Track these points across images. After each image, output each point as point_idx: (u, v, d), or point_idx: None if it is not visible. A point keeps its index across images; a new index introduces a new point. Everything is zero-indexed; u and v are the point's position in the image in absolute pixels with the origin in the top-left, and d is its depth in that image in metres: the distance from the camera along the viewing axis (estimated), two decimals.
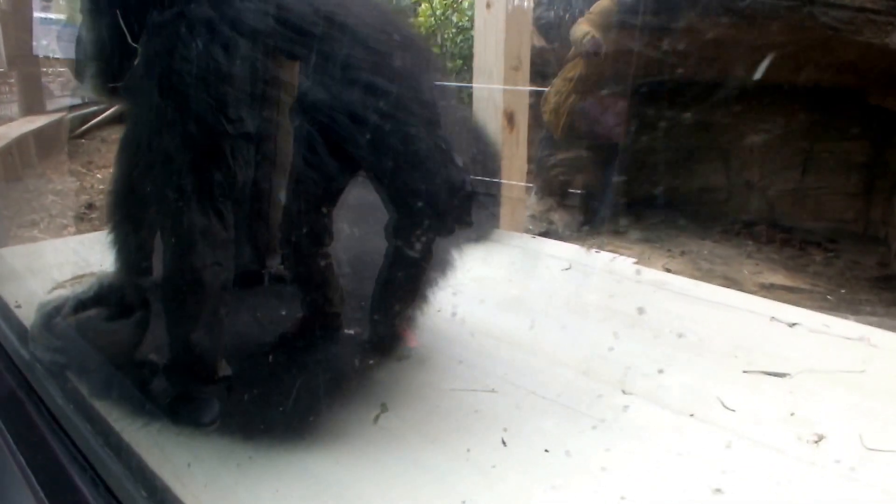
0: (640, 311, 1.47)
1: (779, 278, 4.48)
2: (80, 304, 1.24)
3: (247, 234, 1.02)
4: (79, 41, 1.00)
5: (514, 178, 2.04)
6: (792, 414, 1.10)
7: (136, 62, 0.90)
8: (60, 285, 1.46)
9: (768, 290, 4.36)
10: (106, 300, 1.24)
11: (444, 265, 1.28)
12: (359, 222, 1.27)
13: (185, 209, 0.91)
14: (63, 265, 1.54)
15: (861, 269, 4.61)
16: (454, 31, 5.09)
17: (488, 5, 1.96)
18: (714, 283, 4.29)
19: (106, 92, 1.04)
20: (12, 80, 3.85)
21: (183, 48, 0.85)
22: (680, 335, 1.37)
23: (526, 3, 2.00)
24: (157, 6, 0.89)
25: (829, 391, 1.18)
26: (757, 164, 4.98)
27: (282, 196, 0.99)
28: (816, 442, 1.03)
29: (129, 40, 0.90)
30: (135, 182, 1.04)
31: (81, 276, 1.44)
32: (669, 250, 4.78)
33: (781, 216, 4.98)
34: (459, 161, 1.09)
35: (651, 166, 4.70)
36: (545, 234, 4.68)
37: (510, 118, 1.98)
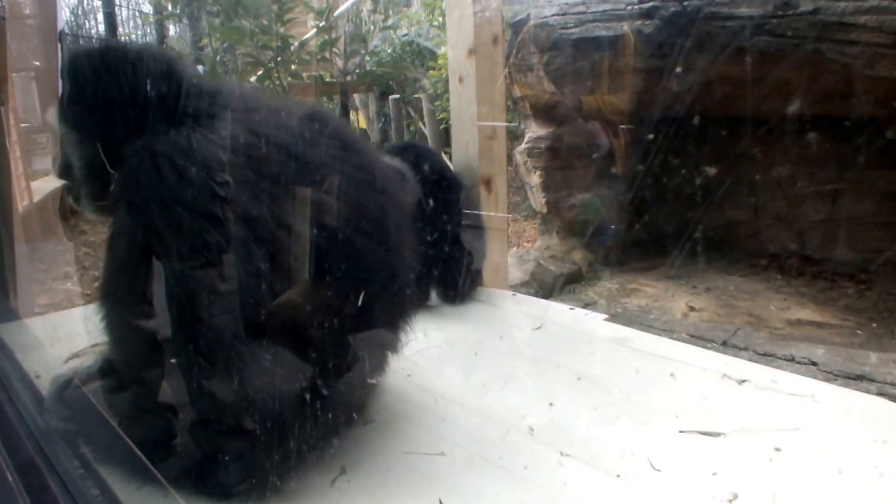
0: (600, 369, 1.57)
1: (807, 313, 4.41)
2: (89, 377, 1.44)
3: None
4: (68, 167, 1.19)
5: (495, 239, 2.16)
6: (714, 473, 1.18)
7: (112, 187, 1.08)
8: (75, 355, 1.65)
9: (795, 326, 4.30)
10: (111, 373, 1.43)
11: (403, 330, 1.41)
12: None
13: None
14: (78, 335, 1.72)
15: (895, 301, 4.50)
16: None
17: (461, 80, 2.09)
18: (738, 321, 4.27)
19: (95, 210, 1.23)
20: (48, 136, 4.14)
21: (146, 176, 1.02)
22: (629, 395, 1.46)
23: (499, 75, 2.12)
24: (128, 139, 1.07)
25: (758, 450, 1.24)
26: (784, 196, 4.95)
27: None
28: (730, 501, 1.11)
29: (108, 167, 1.08)
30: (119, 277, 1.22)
31: (94, 346, 1.63)
32: (694, 286, 4.77)
33: (812, 248, 4.92)
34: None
35: (675, 202, 4.74)
36: (567, 274, 4.74)
37: (488, 183, 2.12)
